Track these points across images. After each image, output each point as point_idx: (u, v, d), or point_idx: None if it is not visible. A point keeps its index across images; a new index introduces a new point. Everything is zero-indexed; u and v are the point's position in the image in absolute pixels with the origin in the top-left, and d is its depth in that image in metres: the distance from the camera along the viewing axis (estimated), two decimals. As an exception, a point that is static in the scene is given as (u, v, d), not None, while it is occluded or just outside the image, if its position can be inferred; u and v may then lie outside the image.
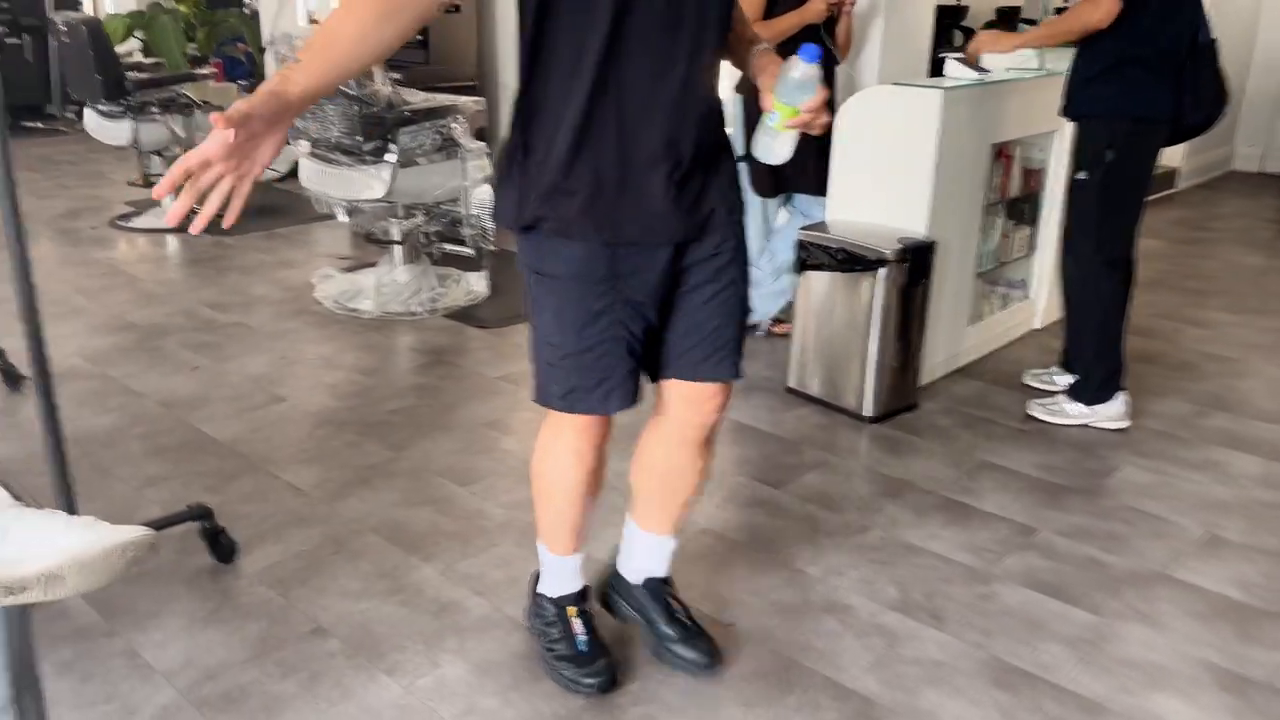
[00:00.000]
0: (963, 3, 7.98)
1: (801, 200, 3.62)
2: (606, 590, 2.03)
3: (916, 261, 2.98)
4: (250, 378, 3.29)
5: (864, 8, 3.66)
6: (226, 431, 2.90)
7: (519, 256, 1.61)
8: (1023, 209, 3.65)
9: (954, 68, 3.31)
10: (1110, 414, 3.01)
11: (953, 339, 3.40)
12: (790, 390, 3.24)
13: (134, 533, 1.41)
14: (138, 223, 5.16)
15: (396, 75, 4.01)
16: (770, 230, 3.69)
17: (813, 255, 3.06)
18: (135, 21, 7.06)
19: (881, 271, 2.92)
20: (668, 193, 1.52)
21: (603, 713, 1.81)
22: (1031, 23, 4.37)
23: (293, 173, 4.22)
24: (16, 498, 1.39)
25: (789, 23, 3.40)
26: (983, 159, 3.27)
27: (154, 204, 5.27)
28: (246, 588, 2.15)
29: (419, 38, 4.87)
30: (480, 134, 4.03)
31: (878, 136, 3.12)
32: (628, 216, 1.53)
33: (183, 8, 7.32)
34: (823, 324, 3.11)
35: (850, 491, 2.64)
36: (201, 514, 2.23)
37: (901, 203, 3.08)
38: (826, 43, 3.50)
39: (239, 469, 2.68)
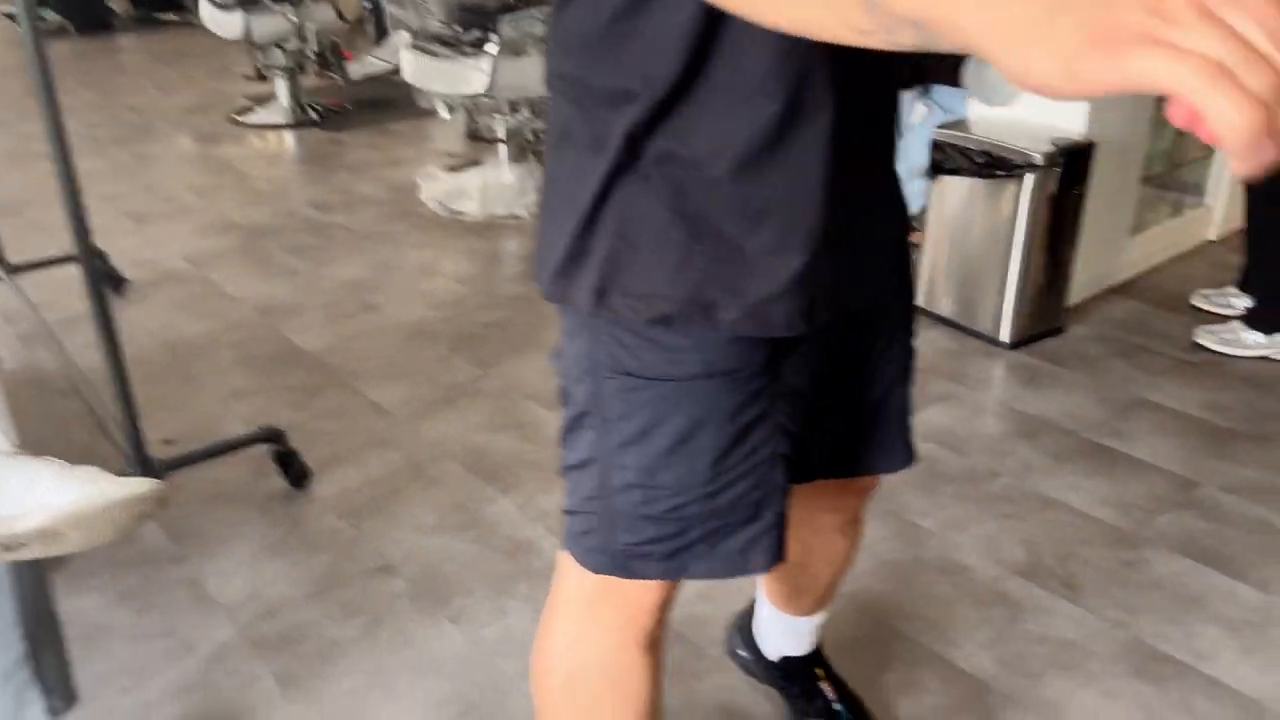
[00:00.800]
0: None
1: (942, 93, 3.22)
2: (734, 642, 1.62)
3: (1071, 166, 2.58)
4: (346, 284, 3.18)
5: None
6: (317, 342, 2.81)
7: (578, 347, 0.95)
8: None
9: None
10: (1297, 346, 2.59)
11: (1111, 251, 2.99)
12: (917, 310, 2.92)
13: (140, 486, 1.28)
14: (253, 118, 5.12)
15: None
16: (905, 126, 3.31)
17: (949, 157, 2.69)
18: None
19: (1029, 178, 2.54)
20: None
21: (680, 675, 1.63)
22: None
23: (397, 65, 4.05)
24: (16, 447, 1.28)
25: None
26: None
27: (270, 99, 5.21)
28: (317, 515, 2.06)
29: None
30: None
31: (1033, 18, 2.69)
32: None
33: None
34: (958, 236, 2.76)
35: (978, 430, 2.35)
36: (273, 436, 2.13)
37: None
38: None
39: (325, 383, 2.59)
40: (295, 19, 4.90)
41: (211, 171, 4.33)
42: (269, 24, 4.96)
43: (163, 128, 5.04)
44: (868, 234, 0.96)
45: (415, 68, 3.73)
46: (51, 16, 7.63)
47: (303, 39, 4.95)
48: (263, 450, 2.17)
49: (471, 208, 3.78)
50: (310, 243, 3.53)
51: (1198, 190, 3.31)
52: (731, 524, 0.97)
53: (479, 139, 3.96)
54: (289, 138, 4.91)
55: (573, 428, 0.99)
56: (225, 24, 4.92)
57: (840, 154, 0.83)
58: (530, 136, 3.88)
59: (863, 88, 0.84)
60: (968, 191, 2.68)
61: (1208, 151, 3.26)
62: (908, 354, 1.14)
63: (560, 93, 0.89)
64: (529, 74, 3.58)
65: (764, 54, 0.76)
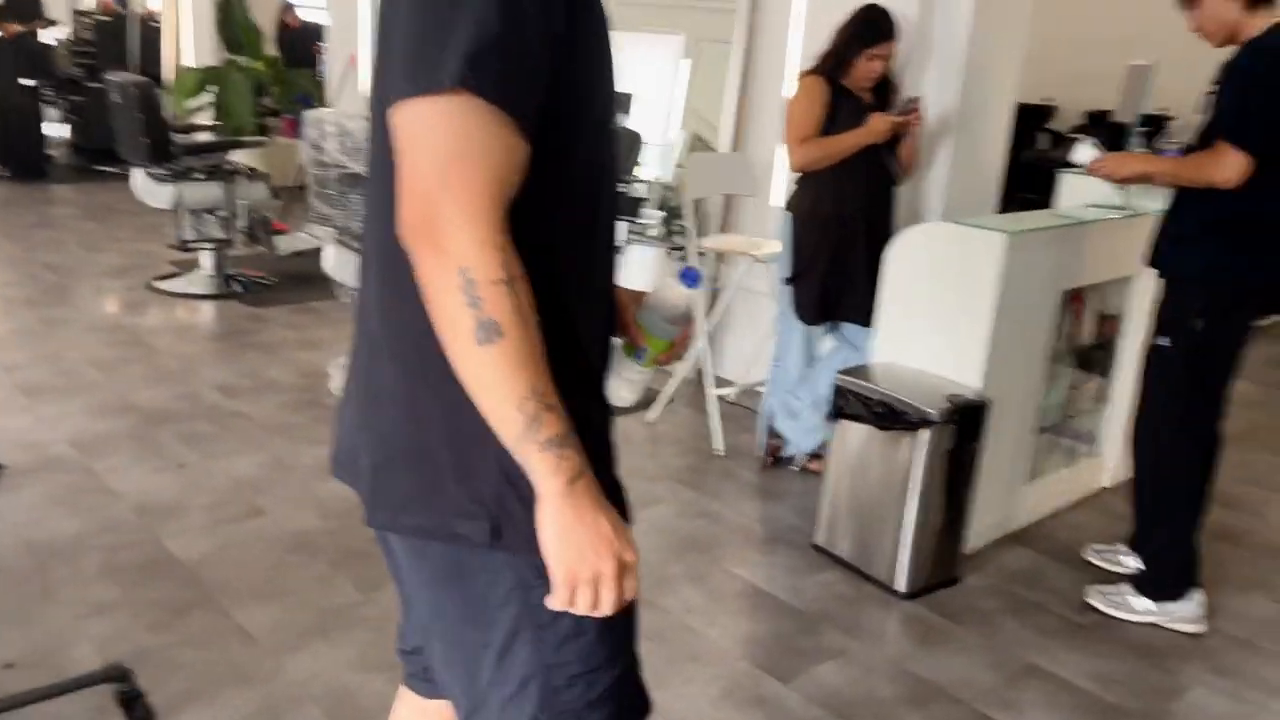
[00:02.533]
0: (1051, 103, 7.67)
1: (849, 329, 3.32)
2: None
3: (966, 422, 2.64)
4: (236, 481, 3.07)
5: (931, 124, 3.37)
6: (193, 550, 2.67)
7: (482, 583, 1.03)
8: (1094, 357, 3.29)
9: (1082, 152, 2.72)
10: (1183, 614, 2.61)
11: (1006, 499, 3.03)
12: (816, 548, 2.90)
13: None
14: (174, 285, 5.07)
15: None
16: (813, 358, 3.39)
17: (850, 404, 2.74)
18: (208, 77, 7.11)
19: (924, 433, 2.58)
20: None
21: None
22: (1121, 129, 4.04)
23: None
24: None
25: (848, 143, 3.13)
26: (1051, 306, 2.93)
27: (192, 267, 5.18)
28: (155, 769, 1.89)
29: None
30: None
31: (934, 275, 2.81)
32: None
33: (259, 65, 7.36)
34: (857, 480, 2.78)
35: (870, 693, 2.28)
36: (120, 675, 1.98)
37: (955, 350, 2.75)
38: (888, 164, 3.21)
39: (193, 600, 2.44)
40: (227, 194, 4.94)
41: (120, 343, 4.23)
42: (200, 197, 4.99)
43: (78, 290, 4.96)
44: None
45: (336, 262, 3.75)
46: (-11, 163, 7.61)
47: (233, 214, 4.97)
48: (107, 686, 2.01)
49: (381, 403, 3.73)
50: (207, 431, 3.42)
51: (1090, 439, 3.41)
52: (634, 674, 1.11)
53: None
54: (208, 309, 4.85)
55: (503, 656, 1.03)
56: (157, 194, 4.93)
57: None
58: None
59: None
60: (866, 438, 2.72)
61: (1100, 402, 3.38)
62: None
63: None
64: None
65: None
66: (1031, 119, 7.24)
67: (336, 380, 3.92)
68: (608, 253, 1.09)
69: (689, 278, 0.97)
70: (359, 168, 3.39)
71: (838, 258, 3.24)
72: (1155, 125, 5.28)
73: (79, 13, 9.25)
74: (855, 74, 3.17)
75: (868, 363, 2.94)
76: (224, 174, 4.89)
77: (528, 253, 0.90)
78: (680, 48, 4.64)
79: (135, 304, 4.81)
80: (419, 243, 0.88)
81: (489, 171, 0.87)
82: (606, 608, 0.96)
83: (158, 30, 8.47)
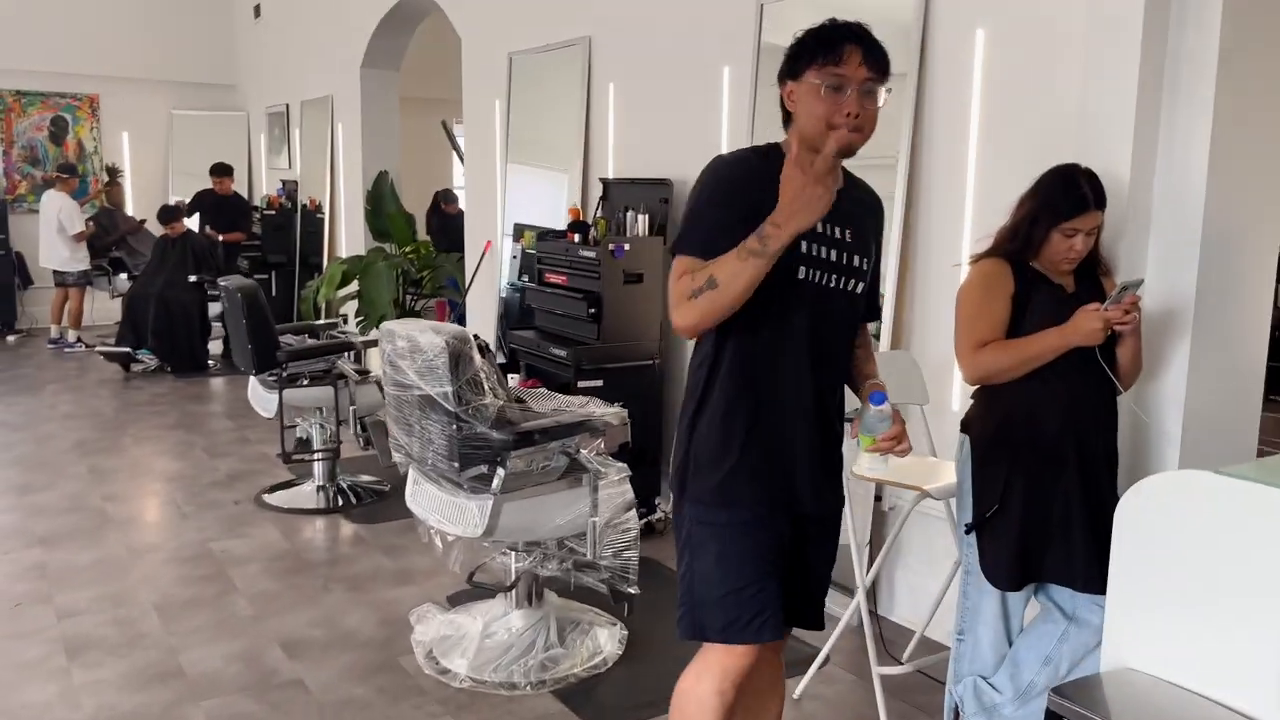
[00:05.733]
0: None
1: (1060, 593, 2.42)
2: None
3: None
4: (258, 798, 2.42)
5: (1156, 314, 2.51)
6: None
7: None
8: None
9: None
10: None
11: None
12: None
13: None
14: (280, 499, 4.67)
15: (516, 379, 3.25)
16: (1013, 633, 2.48)
17: (1073, 748, 1.82)
18: (353, 267, 7.03)
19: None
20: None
21: None
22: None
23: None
24: None
25: (1047, 346, 2.33)
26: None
27: (305, 477, 4.80)
28: None
29: (591, 310, 4.17)
30: (623, 451, 3.15)
31: (1192, 545, 1.90)
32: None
33: (408, 252, 7.24)
34: None
35: None
36: None
37: (1232, 660, 1.81)
38: (1105, 369, 2.37)
39: None
40: (338, 398, 4.55)
41: (199, 579, 3.78)
42: (306, 403, 4.63)
43: (183, 508, 4.62)
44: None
45: (413, 493, 3.18)
46: (149, 358, 7.76)
47: (340, 421, 4.57)
48: None
49: (460, 666, 3.05)
50: (250, 711, 2.83)
51: None
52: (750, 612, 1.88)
53: (478, 586, 3.31)
54: (309, 529, 4.40)
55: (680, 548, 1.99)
56: (265, 403, 4.61)
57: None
58: (553, 572, 3.20)
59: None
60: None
61: None
62: (834, 550, 2.08)
63: None
64: (540, 514, 2.96)
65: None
66: None
67: (418, 631, 3.29)
68: (798, 361, 1.88)
69: (877, 399, 1.88)
70: (434, 389, 2.84)
71: (1038, 499, 2.38)
72: None
73: (255, 206, 9.64)
74: (1049, 254, 2.39)
75: (1097, 672, 2.02)
76: (333, 379, 4.51)
77: (739, 336, 1.85)
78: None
79: (235, 523, 4.41)
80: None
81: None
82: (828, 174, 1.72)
83: (321, 222, 8.63)
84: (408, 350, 2.91)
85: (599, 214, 4.60)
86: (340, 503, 4.67)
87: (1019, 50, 3.03)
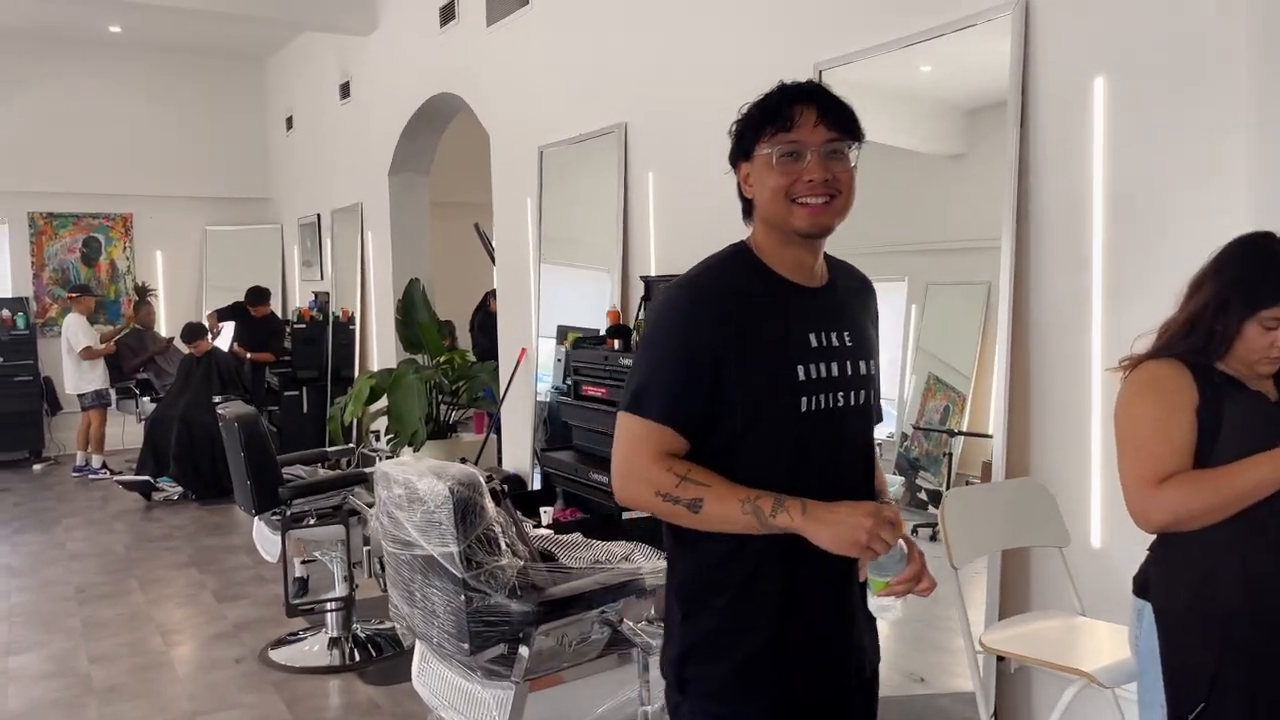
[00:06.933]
0: None
1: None
2: None
3: None
4: None
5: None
6: None
7: None
8: None
9: None
10: None
11: None
12: None
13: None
14: (287, 656, 4.07)
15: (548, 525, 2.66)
16: None
17: None
18: (382, 381, 6.56)
19: None
20: None
21: None
22: None
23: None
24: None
25: (1258, 477, 1.69)
26: None
27: (310, 631, 4.20)
28: None
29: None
30: (680, 612, 2.51)
31: None
32: None
33: (441, 362, 6.76)
34: None
35: None
36: None
37: None
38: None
39: None
40: (349, 539, 3.98)
41: (178, 767, 3.17)
42: (314, 542, 4.07)
43: (175, 668, 4.03)
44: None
45: (420, 671, 2.56)
46: (170, 485, 7.30)
47: (354, 563, 3.99)
48: None
49: None
50: None
51: None
52: None
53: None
54: (316, 695, 3.77)
55: None
56: (269, 544, 4.06)
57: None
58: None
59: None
60: None
61: None
62: None
63: None
64: (572, 709, 2.32)
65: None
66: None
67: None
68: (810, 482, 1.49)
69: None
70: (436, 549, 2.25)
71: (1265, 692, 1.71)
72: None
73: (287, 322, 9.29)
74: (1243, 352, 1.77)
75: None
76: (344, 515, 3.95)
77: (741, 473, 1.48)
78: (904, 294, 3.37)
79: (234, 687, 3.81)
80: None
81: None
82: (891, 538, 1.40)
83: (353, 333, 8.23)
84: (405, 499, 2.33)
85: (640, 317, 4.05)
86: (356, 658, 4.05)
87: (1152, 93, 2.45)
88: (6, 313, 9.06)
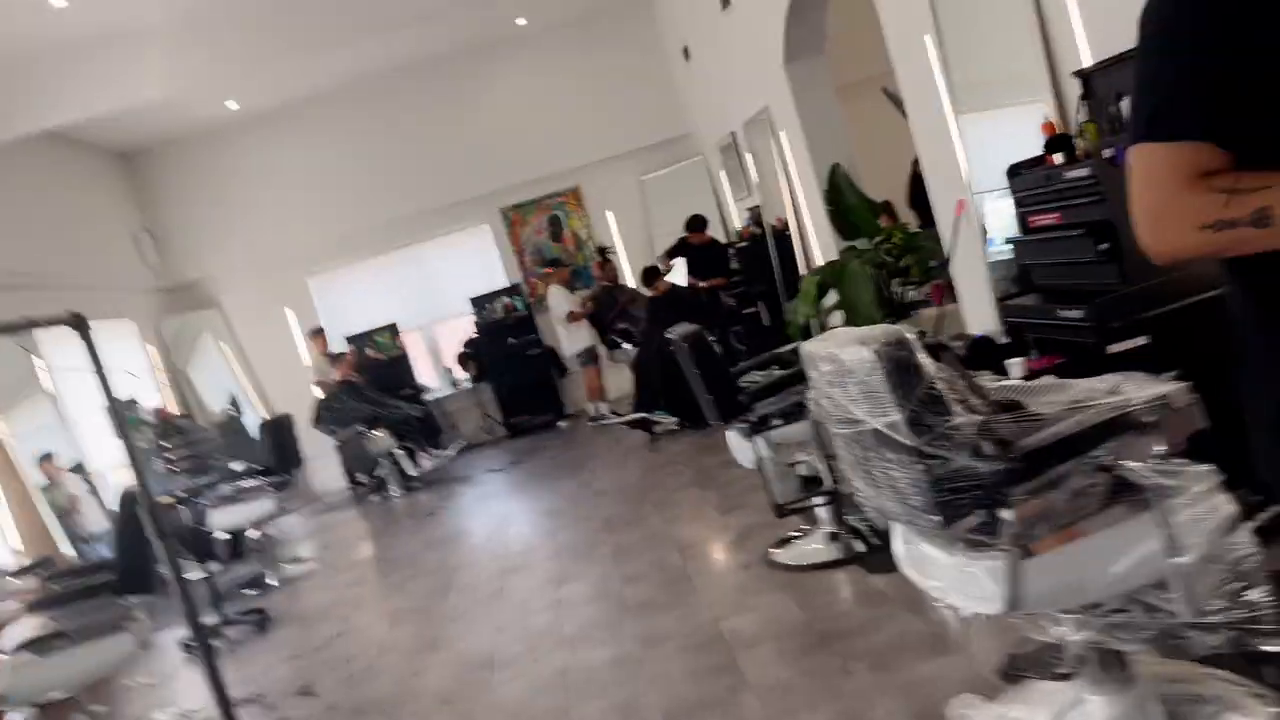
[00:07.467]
0: None
1: None
2: None
3: None
4: None
5: None
6: None
7: None
8: None
9: None
10: None
11: None
12: None
13: None
14: (789, 555, 4.11)
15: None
16: None
17: None
18: (827, 276, 6.39)
19: None
20: None
21: None
22: None
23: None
24: None
25: None
26: None
27: (808, 529, 4.19)
28: None
29: (1101, 245, 3.03)
30: (1198, 442, 2.04)
31: None
32: None
33: (879, 242, 6.42)
34: None
35: None
36: None
37: None
38: None
39: None
40: (818, 434, 3.88)
41: (706, 673, 3.32)
42: (791, 438, 4.03)
43: (693, 581, 4.27)
44: None
45: (906, 552, 2.37)
46: (666, 417, 7.84)
47: (830, 456, 3.89)
48: None
49: (1030, 791, 2.15)
50: None
51: None
52: None
53: (1014, 675, 2.38)
54: (822, 589, 3.76)
55: None
56: (743, 453, 4.11)
57: None
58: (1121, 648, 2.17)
59: None
60: None
61: None
62: None
63: None
64: (1082, 573, 1.97)
65: None
66: None
67: (964, 732, 2.44)
68: None
69: None
70: (879, 420, 2.03)
71: None
72: None
73: (729, 244, 9.53)
74: None
75: None
76: (807, 411, 3.87)
77: None
78: None
79: (746, 592, 3.94)
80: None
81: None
82: None
83: (790, 238, 8.18)
84: (835, 375, 2.14)
85: (1082, 118, 3.42)
86: (857, 549, 3.98)
87: None
88: (508, 300, 10.37)
